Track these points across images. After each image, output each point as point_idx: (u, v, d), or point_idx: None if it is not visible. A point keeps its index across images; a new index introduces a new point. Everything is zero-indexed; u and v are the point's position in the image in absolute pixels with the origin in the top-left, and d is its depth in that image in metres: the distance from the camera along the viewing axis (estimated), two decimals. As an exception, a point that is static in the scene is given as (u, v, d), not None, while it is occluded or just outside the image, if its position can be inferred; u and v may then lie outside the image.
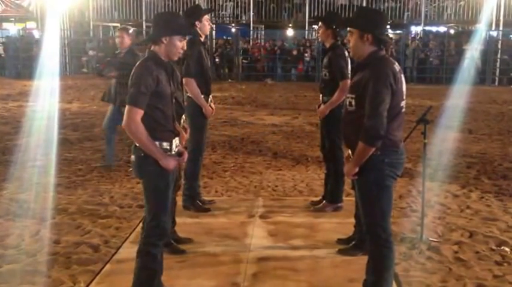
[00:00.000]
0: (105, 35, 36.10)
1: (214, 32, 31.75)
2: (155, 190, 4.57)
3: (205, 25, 7.14)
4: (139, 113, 4.33)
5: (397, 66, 4.48)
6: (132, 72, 4.47)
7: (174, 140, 4.62)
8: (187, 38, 6.11)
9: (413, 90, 20.98)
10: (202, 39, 7.17)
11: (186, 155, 4.75)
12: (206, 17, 7.18)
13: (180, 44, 4.62)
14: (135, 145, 4.48)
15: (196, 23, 6.98)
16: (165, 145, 4.54)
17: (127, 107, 4.35)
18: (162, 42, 4.53)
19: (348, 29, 4.67)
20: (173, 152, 4.59)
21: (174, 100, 4.73)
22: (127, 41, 9.25)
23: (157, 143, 4.45)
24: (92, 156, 11.01)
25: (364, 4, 31.28)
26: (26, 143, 8.88)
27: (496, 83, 28.41)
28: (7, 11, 29.81)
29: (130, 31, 9.35)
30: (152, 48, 4.60)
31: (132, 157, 4.56)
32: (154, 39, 4.59)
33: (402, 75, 4.50)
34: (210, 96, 7.27)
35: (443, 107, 15.72)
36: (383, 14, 5.08)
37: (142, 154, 4.44)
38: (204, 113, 7.11)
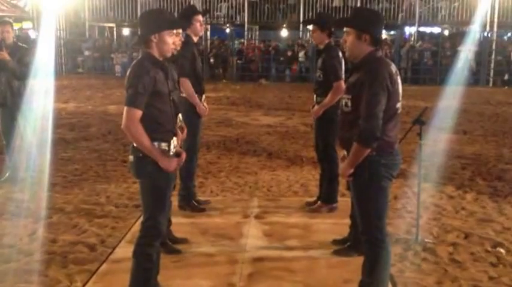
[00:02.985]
0: (100, 35, 36.09)
1: (208, 33, 31.75)
2: (154, 190, 4.57)
3: (196, 26, 7.09)
4: (138, 114, 4.30)
5: (393, 68, 4.48)
6: (128, 73, 4.45)
7: (172, 141, 4.61)
8: (181, 34, 6.13)
9: (407, 91, 20.85)
10: (194, 40, 7.17)
11: (184, 156, 4.74)
12: (198, 18, 7.15)
13: (171, 39, 4.57)
14: (134, 145, 4.47)
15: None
16: (164, 145, 4.51)
17: (125, 108, 4.31)
18: (152, 40, 4.46)
19: (345, 29, 4.67)
20: (171, 153, 4.58)
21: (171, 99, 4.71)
22: (12, 34, 8.82)
23: (156, 143, 4.43)
24: (88, 155, 11.02)
25: (359, 5, 31.25)
26: (22, 143, 8.85)
27: (490, 84, 28.45)
28: (3, 11, 29.70)
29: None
30: (145, 48, 4.53)
31: (131, 157, 4.53)
32: (144, 39, 4.51)
33: (399, 77, 4.50)
34: (203, 96, 7.29)
35: (437, 108, 15.74)
36: (380, 14, 5.07)
37: (141, 154, 4.42)
38: (198, 112, 7.13)
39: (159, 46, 4.50)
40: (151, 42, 4.48)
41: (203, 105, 7.20)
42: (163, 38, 4.49)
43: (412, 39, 32.11)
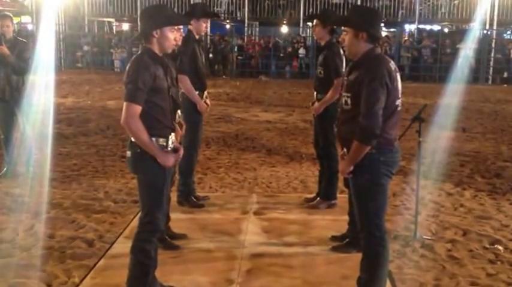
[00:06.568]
0: (100, 30, 36.08)
1: (209, 29, 31.70)
2: (151, 186, 4.56)
3: (202, 25, 7.11)
4: (138, 109, 4.28)
5: (392, 65, 4.47)
6: (127, 69, 4.43)
7: (170, 136, 4.60)
8: (182, 30, 6.11)
9: (407, 88, 20.86)
10: (197, 37, 7.16)
11: (181, 151, 4.74)
12: (206, 19, 7.18)
13: (172, 35, 4.56)
14: (131, 141, 4.45)
15: (193, 21, 6.97)
16: (162, 141, 4.50)
17: (125, 103, 4.30)
18: (154, 36, 4.45)
19: (343, 28, 4.68)
20: (169, 148, 4.57)
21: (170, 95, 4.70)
22: (11, 29, 8.73)
23: (153, 139, 4.41)
24: (86, 151, 11.01)
25: (359, 2, 31.29)
26: (20, 137, 8.85)
27: (490, 82, 28.53)
28: (2, 5, 29.67)
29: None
30: (145, 44, 4.52)
31: (128, 152, 4.53)
32: (145, 35, 4.50)
33: (398, 74, 4.49)
34: (205, 92, 7.27)
35: (437, 106, 15.74)
36: (377, 11, 5.08)
37: (138, 150, 4.41)
38: (199, 109, 7.11)
39: (160, 42, 4.48)
40: (153, 38, 4.47)
41: (205, 102, 7.18)
42: (165, 33, 4.48)
43: (412, 36, 32.15)
